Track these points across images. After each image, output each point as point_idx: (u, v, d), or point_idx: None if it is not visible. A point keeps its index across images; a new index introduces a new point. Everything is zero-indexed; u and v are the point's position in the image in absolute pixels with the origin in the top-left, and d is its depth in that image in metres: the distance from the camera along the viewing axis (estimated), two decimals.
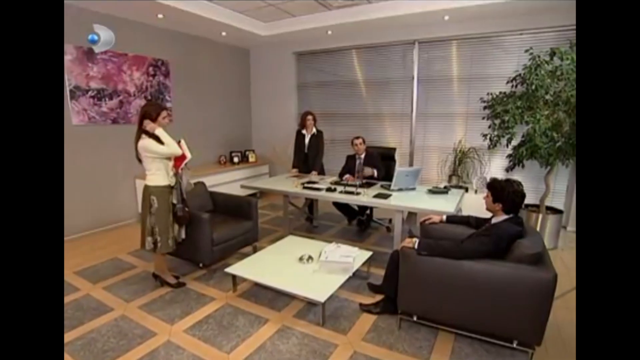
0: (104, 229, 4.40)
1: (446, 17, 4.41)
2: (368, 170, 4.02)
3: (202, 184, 3.73)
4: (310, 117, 4.46)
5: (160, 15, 4.26)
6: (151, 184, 2.68)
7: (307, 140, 4.50)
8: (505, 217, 2.22)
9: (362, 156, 4.20)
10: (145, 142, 2.60)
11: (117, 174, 4.46)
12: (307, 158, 4.53)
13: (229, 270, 2.79)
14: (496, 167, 4.71)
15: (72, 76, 3.88)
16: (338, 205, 4.38)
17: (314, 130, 4.49)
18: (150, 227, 2.72)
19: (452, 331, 2.29)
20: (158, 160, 2.65)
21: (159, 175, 2.69)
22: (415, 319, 2.32)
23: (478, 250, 2.08)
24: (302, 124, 4.52)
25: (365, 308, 2.61)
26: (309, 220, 4.78)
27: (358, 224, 4.53)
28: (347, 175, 4.11)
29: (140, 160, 2.71)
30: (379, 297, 2.70)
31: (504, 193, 2.19)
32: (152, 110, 2.66)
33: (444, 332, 2.32)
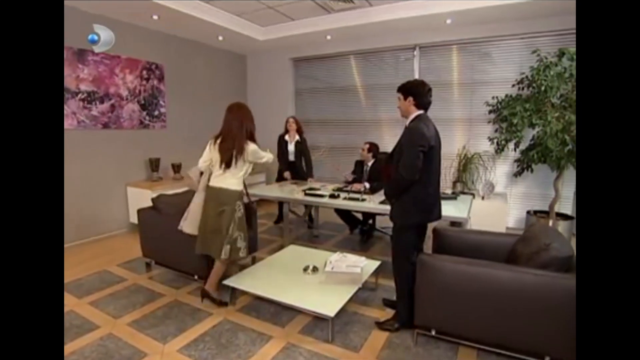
0: (92, 239, 4.13)
1: (448, 21, 4.33)
2: (357, 186, 3.75)
3: None
4: (292, 120, 4.39)
5: (155, 17, 4.11)
6: (234, 188, 2.54)
7: (291, 147, 4.41)
8: (417, 112, 2.33)
9: (370, 164, 4.01)
10: (254, 146, 2.57)
11: (107, 182, 4.22)
12: (294, 165, 4.40)
13: (227, 282, 2.59)
14: (501, 172, 4.58)
15: None
16: (340, 212, 4.19)
17: (297, 137, 4.35)
18: (231, 235, 2.51)
19: (474, 346, 2.09)
20: (248, 164, 2.59)
21: (241, 180, 2.61)
22: (433, 333, 2.13)
23: (413, 164, 2.12)
24: (285, 129, 4.46)
25: (386, 327, 2.33)
26: (310, 228, 4.58)
27: (361, 232, 4.34)
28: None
29: (227, 165, 2.53)
30: (391, 312, 2.49)
31: (413, 85, 2.38)
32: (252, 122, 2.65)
33: (465, 348, 2.11)
